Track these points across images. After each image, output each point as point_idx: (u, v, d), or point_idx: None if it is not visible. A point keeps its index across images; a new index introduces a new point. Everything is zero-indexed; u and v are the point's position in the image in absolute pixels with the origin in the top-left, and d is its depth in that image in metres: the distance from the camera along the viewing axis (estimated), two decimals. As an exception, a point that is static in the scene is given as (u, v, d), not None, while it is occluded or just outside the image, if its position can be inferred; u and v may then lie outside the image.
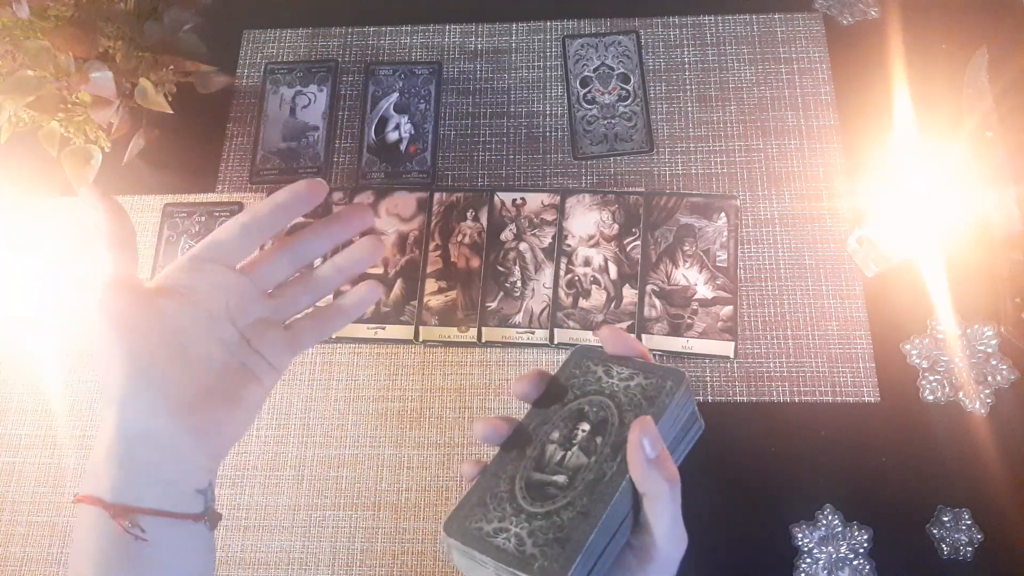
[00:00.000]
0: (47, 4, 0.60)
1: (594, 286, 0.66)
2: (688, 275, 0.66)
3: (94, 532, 0.36)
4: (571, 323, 0.65)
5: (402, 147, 0.73)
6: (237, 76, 0.77)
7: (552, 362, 0.65)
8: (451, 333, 0.66)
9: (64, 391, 0.67)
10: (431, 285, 0.68)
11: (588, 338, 0.65)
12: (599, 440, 0.36)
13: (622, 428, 0.36)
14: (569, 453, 0.36)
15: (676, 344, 0.64)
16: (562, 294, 0.66)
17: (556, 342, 0.65)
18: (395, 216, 0.70)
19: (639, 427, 0.34)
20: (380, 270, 0.68)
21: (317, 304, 0.46)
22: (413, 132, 0.74)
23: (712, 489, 0.59)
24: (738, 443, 0.61)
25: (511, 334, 0.66)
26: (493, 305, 0.67)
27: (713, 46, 0.75)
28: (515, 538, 0.34)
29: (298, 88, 0.76)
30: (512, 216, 0.69)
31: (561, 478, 0.35)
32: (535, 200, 0.70)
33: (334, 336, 0.66)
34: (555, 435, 0.38)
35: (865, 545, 0.58)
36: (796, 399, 0.63)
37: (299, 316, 0.45)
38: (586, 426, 0.37)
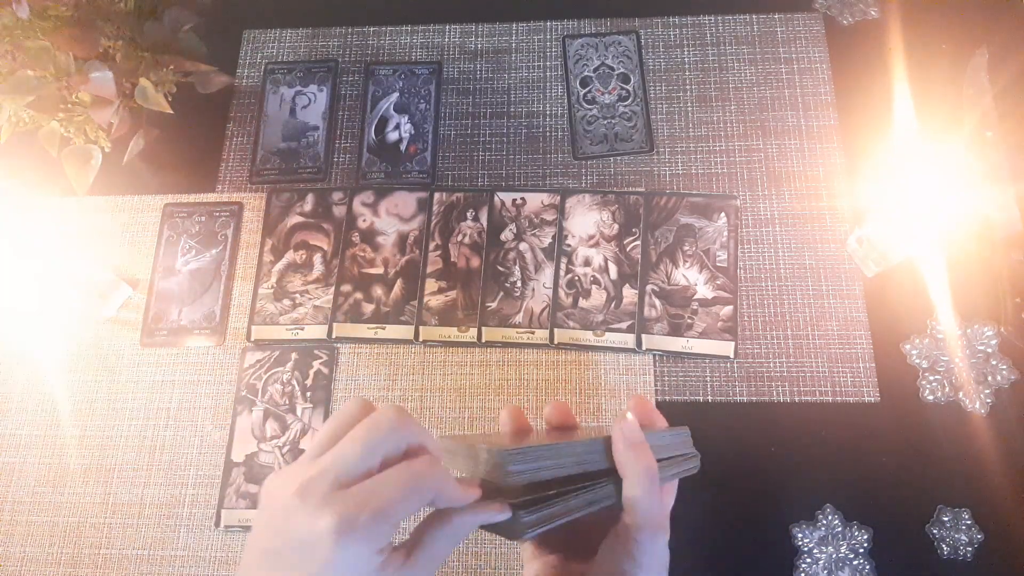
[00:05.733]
0: (47, 4, 0.60)
1: (594, 286, 0.66)
2: (688, 275, 0.66)
3: None
4: (571, 323, 0.65)
5: (402, 147, 0.73)
6: (237, 76, 0.77)
7: (552, 362, 0.65)
8: (451, 333, 0.66)
9: (64, 390, 0.67)
10: (431, 285, 0.68)
11: (588, 338, 0.65)
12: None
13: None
14: None
15: (676, 344, 0.64)
16: (562, 294, 0.66)
17: (556, 342, 0.65)
18: (395, 216, 0.70)
19: (624, 419, 0.37)
20: (380, 270, 0.68)
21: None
22: (413, 132, 0.74)
23: (712, 489, 0.59)
24: (738, 443, 0.61)
25: (511, 334, 0.66)
26: (493, 305, 0.67)
27: (713, 46, 0.75)
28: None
29: (298, 88, 0.76)
30: (512, 216, 0.69)
31: None
32: (535, 200, 0.70)
33: (334, 337, 0.67)
34: None
35: (865, 545, 0.58)
36: (796, 399, 0.63)
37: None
38: None
